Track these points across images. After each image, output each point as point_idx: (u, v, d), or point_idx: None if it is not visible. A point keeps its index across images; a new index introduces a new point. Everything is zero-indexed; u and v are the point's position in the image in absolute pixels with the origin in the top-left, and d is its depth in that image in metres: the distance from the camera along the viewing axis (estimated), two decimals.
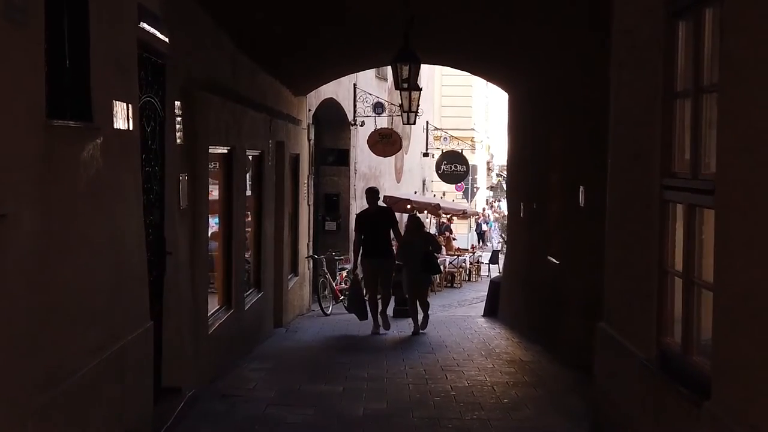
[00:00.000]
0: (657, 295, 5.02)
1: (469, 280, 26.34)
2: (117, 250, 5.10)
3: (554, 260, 10.99)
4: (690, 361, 4.52)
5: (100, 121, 4.80)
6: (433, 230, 28.39)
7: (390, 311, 13.57)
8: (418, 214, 23.81)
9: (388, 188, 23.86)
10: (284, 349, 10.72)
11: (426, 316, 12.41)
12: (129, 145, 5.45)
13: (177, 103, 7.05)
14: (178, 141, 7.06)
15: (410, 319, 12.47)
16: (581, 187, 9.51)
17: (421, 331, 12.13)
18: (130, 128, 5.42)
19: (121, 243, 5.20)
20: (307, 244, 15.95)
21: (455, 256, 25.57)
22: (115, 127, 5.10)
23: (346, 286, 16.78)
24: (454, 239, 29.80)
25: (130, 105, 5.41)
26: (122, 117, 5.24)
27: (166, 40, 6.62)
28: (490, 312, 15.53)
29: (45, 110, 3.96)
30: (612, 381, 5.93)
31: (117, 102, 5.15)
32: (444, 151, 28.34)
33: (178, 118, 7.08)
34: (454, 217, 31.16)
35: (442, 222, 30.18)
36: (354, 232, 12.87)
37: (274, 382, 8.35)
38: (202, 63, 8.18)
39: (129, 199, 5.44)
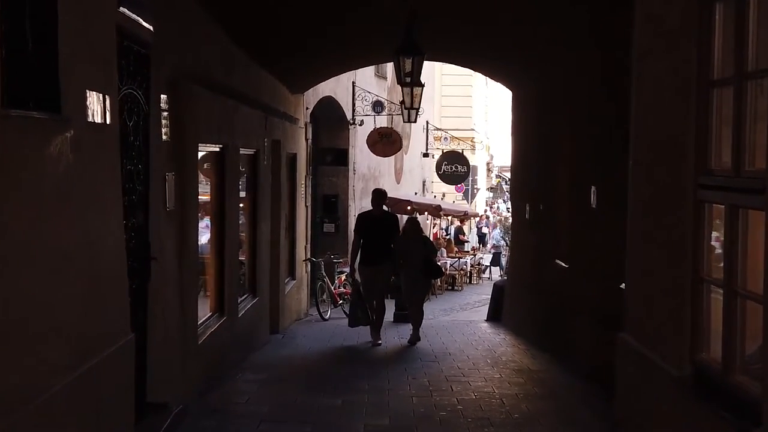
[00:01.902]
0: (691, 305, 4.53)
1: (470, 282, 25.86)
2: (91, 257, 4.59)
3: (562, 263, 10.50)
4: (733, 382, 4.03)
5: (71, 113, 4.30)
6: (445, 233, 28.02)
7: (390, 316, 13.07)
8: (417, 216, 23.46)
9: (388, 189, 23.09)
10: (280, 357, 10.20)
11: (417, 330, 11.42)
12: (106, 141, 4.95)
13: (163, 96, 6.54)
14: (164, 137, 6.55)
15: (411, 324, 11.80)
16: (593, 187, 9.02)
17: (408, 343, 11.27)
18: (108, 121, 4.91)
19: (96, 249, 4.69)
20: (305, 247, 15.43)
21: (456, 259, 25.06)
22: (88, 119, 4.59)
23: (345, 290, 16.26)
24: (467, 241, 29.36)
25: (107, 96, 4.90)
26: (98, 109, 4.74)
27: (151, 28, 6.12)
28: (494, 316, 15.04)
29: (0, 98, 3.46)
30: (636, 399, 5.43)
31: (91, 92, 4.65)
32: (444, 151, 27.85)
33: (165, 113, 6.57)
34: (455, 219, 30.66)
35: (448, 225, 29.75)
36: (353, 234, 12.02)
37: (268, 394, 7.85)
38: (192, 55, 7.68)
39: (106, 199, 4.93)
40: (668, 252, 4.85)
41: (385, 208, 12.58)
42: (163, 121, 6.54)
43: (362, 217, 11.73)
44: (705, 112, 4.45)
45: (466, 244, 28.79)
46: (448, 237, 27.57)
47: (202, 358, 7.58)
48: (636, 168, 5.64)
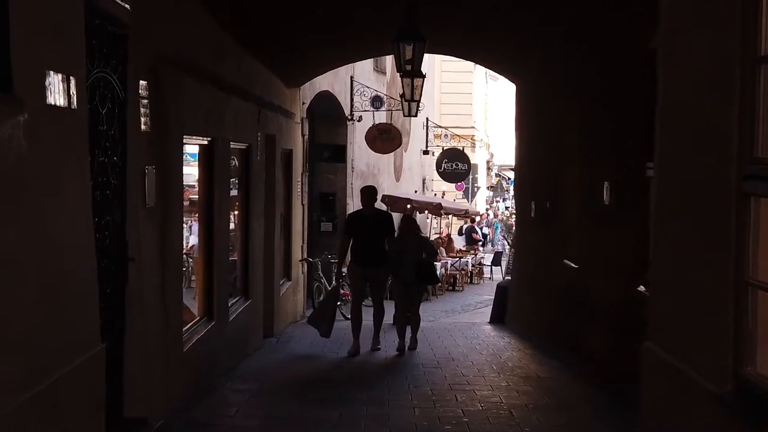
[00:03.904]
0: (734, 313, 3.97)
1: (471, 282, 25.33)
2: (50, 258, 4.04)
3: (572, 264, 9.97)
4: None
5: (25, 93, 3.74)
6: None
7: (390, 318, 12.47)
8: (417, 215, 22.87)
9: (387, 187, 22.80)
10: (273, 364, 9.64)
11: (415, 335, 10.71)
12: (70, 127, 4.39)
13: (142, 82, 5.99)
14: (144, 127, 5.99)
15: (408, 327, 10.78)
16: (605, 182, 8.48)
17: (409, 349, 10.47)
18: (73, 105, 4.35)
19: (57, 249, 4.14)
20: (301, 247, 14.89)
21: (456, 259, 24.51)
22: (48, 102, 4.04)
23: (343, 292, 15.68)
24: (480, 240, 28.94)
25: (72, 77, 4.34)
26: (60, 91, 4.18)
27: (128, 7, 5.58)
28: (498, 319, 14.47)
29: None
30: (666, 417, 4.87)
31: (51, 72, 4.09)
32: (445, 148, 27.30)
33: (144, 101, 6.01)
34: (455, 218, 30.14)
35: (468, 223, 29.28)
36: (342, 235, 11.16)
37: (259, 406, 7.30)
38: (177, 40, 7.11)
39: (70, 193, 4.37)
40: (706, 252, 4.29)
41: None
42: (143, 110, 5.98)
43: (351, 217, 11.01)
44: (751, 92, 3.89)
45: (478, 243, 28.29)
46: (448, 236, 27.02)
47: (187, 367, 7.03)
48: (664, 158, 5.08)
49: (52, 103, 4.09)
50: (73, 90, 4.35)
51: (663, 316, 5.00)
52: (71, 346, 4.29)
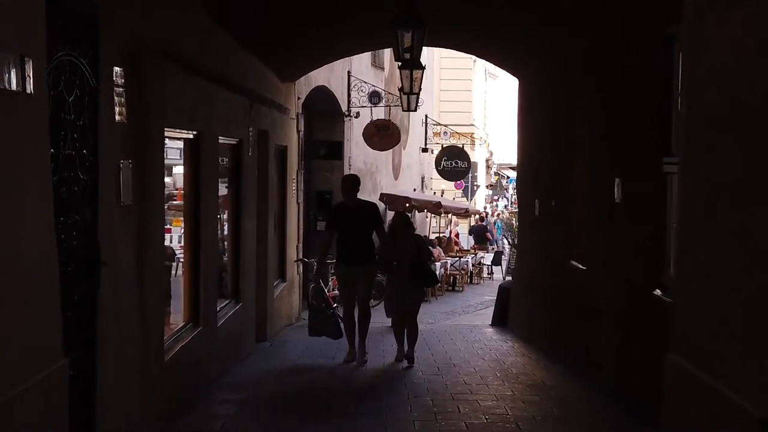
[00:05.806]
0: None
1: (471, 282, 24.85)
2: None
3: (579, 265, 9.49)
4: None
5: None
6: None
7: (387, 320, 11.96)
8: (416, 214, 22.38)
9: (386, 185, 22.29)
10: (265, 371, 9.13)
11: (412, 348, 9.56)
12: (26, 114, 3.89)
13: (117, 69, 5.49)
14: (119, 118, 5.49)
15: (404, 330, 9.85)
16: (617, 179, 7.99)
17: (407, 364, 9.32)
18: (29, 90, 3.86)
19: (7, 252, 3.64)
20: (297, 247, 14.38)
21: (456, 258, 24.01)
22: None
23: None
24: (489, 240, 28.64)
25: (27, 59, 3.85)
26: (12, 73, 3.68)
27: None
28: (500, 321, 13.98)
29: None
30: None
31: (1, 52, 3.60)
32: (444, 146, 26.80)
33: (119, 89, 5.51)
34: (455, 217, 29.66)
35: (479, 223, 28.90)
36: (325, 230, 10.12)
37: (246, 420, 6.80)
38: (159, 25, 6.60)
39: (25, 189, 3.88)
40: (747, 254, 3.80)
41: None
42: (117, 99, 5.47)
43: (334, 210, 10.11)
44: None
45: (489, 243, 27.92)
46: (457, 236, 26.64)
47: (169, 378, 6.52)
48: (691, 152, 4.59)
49: (2, 86, 3.60)
50: (29, 73, 3.85)
51: (690, 327, 4.52)
52: (26, 361, 3.79)
